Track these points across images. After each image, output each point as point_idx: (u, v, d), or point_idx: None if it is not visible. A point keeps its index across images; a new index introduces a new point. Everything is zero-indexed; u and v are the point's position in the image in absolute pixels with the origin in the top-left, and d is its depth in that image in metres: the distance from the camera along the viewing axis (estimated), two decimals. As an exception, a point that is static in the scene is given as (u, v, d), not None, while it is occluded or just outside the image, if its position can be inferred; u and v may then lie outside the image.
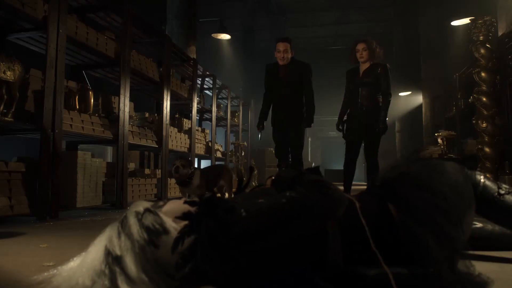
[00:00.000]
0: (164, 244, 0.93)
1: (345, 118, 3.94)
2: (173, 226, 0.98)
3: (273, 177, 1.27)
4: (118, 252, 0.91)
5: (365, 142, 3.80)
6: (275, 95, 3.98)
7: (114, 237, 0.95)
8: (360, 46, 3.76)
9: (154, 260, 0.92)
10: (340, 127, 3.93)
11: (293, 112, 3.87)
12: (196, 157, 6.61)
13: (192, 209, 0.96)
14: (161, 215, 1.00)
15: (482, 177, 1.38)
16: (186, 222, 0.94)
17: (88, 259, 0.94)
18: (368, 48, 3.73)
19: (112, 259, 0.91)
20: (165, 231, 0.96)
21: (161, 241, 0.94)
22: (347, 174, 3.87)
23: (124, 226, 0.96)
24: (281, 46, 3.81)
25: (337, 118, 3.98)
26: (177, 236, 0.92)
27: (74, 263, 0.97)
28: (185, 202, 0.97)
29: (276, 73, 3.90)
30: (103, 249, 0.93)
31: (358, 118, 3.75)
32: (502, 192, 1.36)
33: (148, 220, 0.96)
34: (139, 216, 0.97)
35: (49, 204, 3.04)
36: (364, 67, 3.81)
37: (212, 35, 10.41)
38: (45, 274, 0.97)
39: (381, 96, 3.74)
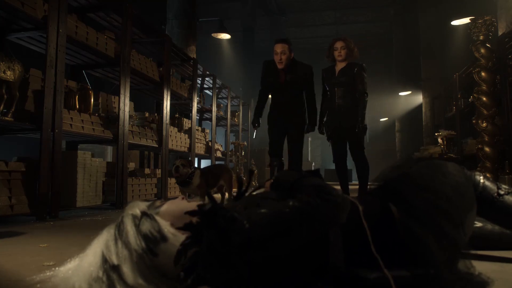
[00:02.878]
0: (162, 252, 0.92)
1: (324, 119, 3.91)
2: (172, 232, 0.96)
3: (272, 180, 1.25)
4: (115, 261, 0.90)
5: (350, 144, 3.77)
6: (275, 97, 3.89)
7: (111, 243, 0.93)
8: (339, 44, 3.70)
9: (153, 266, 0.91)
10: (323, 130, 3.90)
11: (294, 114, 3.79)
12: (196, 157, 6.61)
13: (193, 219, 0.94)
14: (159, 219, 0.98)
15: (481, 177, 1.38)
16: (187, 233, 0.93)
17: (85, 263, 0.93)
18: (347, 47, 3.68)
19: (110, 267, 0.90)
20: (163, 238, 0.94)
21: (159, 249, 0.93)
22: (341, 174, 3.85)
23: (121, 232, 0.94)
24: (278, 48, 3.65)
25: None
26: (179, 249, 0.91)
27: (71, 264, 0.96)
28: (186, 213, 0.95)
29: (275, 73, 3.77)
30: (100, 255, 0.92)
31: (339, 119, 3.71)
32: (502, 192, 1.36)
33: (146, 226, 0.95)
34: (136, 222, 0.95)
35: (49, 204, 3.04)
36: (340, 66, 3.75)
37: (212, 35, 10.40)
38: (42, 274, 0.97)
39: (358, 96, 3.67)
